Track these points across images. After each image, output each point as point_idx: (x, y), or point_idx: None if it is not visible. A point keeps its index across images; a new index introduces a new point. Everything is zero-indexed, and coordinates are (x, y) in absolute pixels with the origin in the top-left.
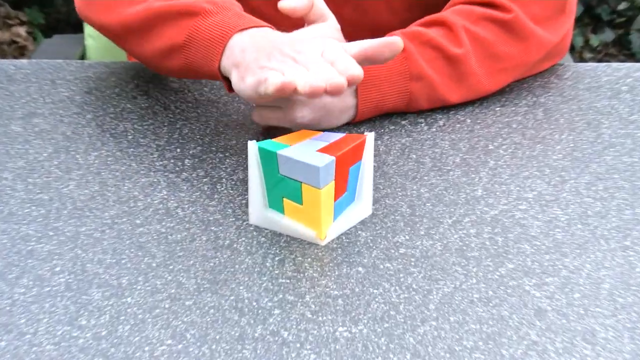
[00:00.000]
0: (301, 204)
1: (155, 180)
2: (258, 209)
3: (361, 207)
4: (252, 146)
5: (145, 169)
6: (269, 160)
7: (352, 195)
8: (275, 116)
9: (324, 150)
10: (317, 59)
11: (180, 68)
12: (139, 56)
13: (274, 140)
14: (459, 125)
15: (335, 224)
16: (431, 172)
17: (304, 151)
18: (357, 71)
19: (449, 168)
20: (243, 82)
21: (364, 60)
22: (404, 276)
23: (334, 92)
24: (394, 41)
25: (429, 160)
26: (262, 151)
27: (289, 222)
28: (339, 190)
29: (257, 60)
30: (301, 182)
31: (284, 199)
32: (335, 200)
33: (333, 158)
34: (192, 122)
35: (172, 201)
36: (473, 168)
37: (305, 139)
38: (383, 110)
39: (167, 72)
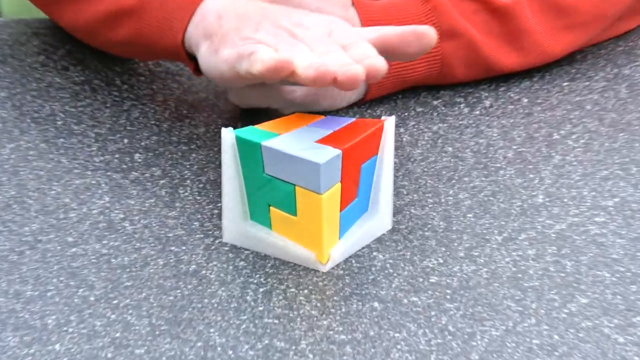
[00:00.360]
0: (295, 214)
1: (93, 182)
2: (235, 223)
3: (377, 219)
4: (228, 135)
5: (81, 167)
6: (250, 154)
7: (364, 202)
8: (258, 93)
9: (326, 140)
10: (323, 37)
11: (128, 39)
12: (72, 24)
13: (257, 127)
14: (511, 106)
15: (341, 243)
16: (474, 171)
17: (299, 142)
18: (379, 62)
19: (499, 165)
20: (216, 55)
21: (384, 53)
22: (437, 314)
23: (346, 85)
24: (425, 31)
25: (471, 155)
26: (241, 142)
27: (277, 239)
28: (348, 195)
29: (238, 29)
30: (295, 185)
31: (271, 208)
32: (341, 209)
33: (339, 152)
34: (145, 102)
35: (116, 211)
36: (531, 166)
37: (301, 126)
38: (406, 82)
39: (108, 46)
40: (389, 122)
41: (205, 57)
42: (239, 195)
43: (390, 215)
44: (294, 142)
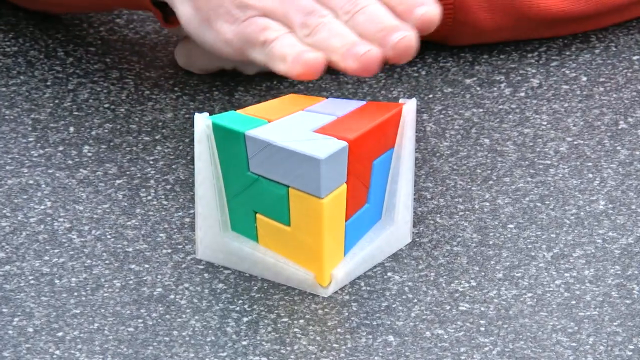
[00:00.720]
0: (288, 224)
1: (31, 181)
2: (211, 234)
3: (393, 230)
4: (202, 122)
5: (15, 163)
6: (231, 147)
7: (377, 209)
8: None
9: (328, 129)
10: None
11: None
12: None
13: (240, 111)
14: (566, 86)
15: (347, 261)
16: (516, 170)
17: (294, 132)
18: (432, 10)
19: (548, 162)
20: (210, 28)
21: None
22: (468, 351)
23: (400, 57)
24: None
25: (513, 149)
26: (219, 131)
27: (266, 256)
28: (356, 200)
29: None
30: (288, 187)
31: (258, 215)
32: (347, 218)
33: (345, 144)
34: (96, 79)
35: (61, 219)
36: (590, 163)
37: (296, 110)
38: None
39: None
40: (409, 106)
41: (194, 27)
42: (217, 199)
43: (410, 225)
44: (287, 131)
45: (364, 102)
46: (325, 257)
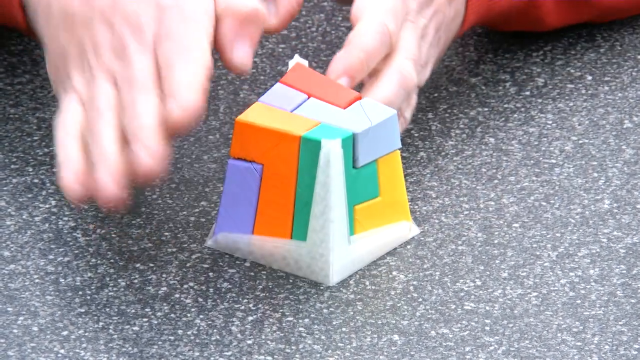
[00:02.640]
0: (378, 195)
1: (36, 180)
2: (340, 254)
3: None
4: (335, 147)
5: (20, 162)
6: (345, 156)
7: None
8: None
9: (339, 103)
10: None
11: None
12: None
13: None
14: (571, 85)
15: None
16: (521, 169)
17: (345, 113)
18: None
19: (553, 161)
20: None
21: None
22: (473, 351)
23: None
24: None
25: (519, 148)
26: (343, 145)
27: (371, 239)
28: None
29: (61, 56)
30: (377, 160)
31: (356, 207)
32: None
33: (367, 98)
34: None
35: (65, 218)
36: (595, 162)
37: (284, 111)
38: (491, 14)
39: None
40: (299, 61)
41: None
42: (340, 214)
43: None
44: (346, 115)
45: (278, 85)
46: (407, 201)
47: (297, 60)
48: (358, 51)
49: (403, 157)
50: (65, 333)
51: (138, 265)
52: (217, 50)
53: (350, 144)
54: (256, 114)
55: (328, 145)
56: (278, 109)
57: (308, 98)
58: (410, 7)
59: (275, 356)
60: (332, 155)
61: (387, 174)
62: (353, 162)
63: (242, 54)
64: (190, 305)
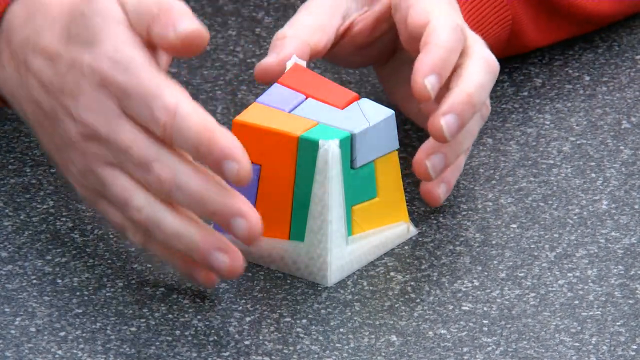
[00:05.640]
0: (376, 195)
1: (34, 181)
2: (338, 255)
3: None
4: (334, 147)
5: (17, 162)
6: (343, 156)
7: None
8: None
9: (337, 103)
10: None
11: None
12: None
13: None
14: (569, 85)
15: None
16: (519, 169)
17: (342, 114)
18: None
19: (551, 162)
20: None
21: None
22: (471, 351)
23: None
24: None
25: (516, 148)
26: (341, 145)
27: (368, 239)
28: None
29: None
30: (374, 160)
31: (353, 208)
32: None
33: (364, 98)
34: None
35: (63, 218)
36: (593, 162)
37: (282, 112)
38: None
39: None
40: (299, 61)
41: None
42: (338, 214)
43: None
44: (343, 115)
45: (276, 85)
46: (405, 202)
47: (295, 60)
48: (438, 48)
49: (401, 158)
50: (62, 334)
51: (135, 265)
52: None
53: (349, 144)
54: (254, 115)
55: (326, 146)
56: (276, 110)
57: (306, 99)
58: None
59: (273, 357)
60: (330, 155)
61: (385, 174)
62: (351, 163)
63: (182, 26)
64: (187, 305)
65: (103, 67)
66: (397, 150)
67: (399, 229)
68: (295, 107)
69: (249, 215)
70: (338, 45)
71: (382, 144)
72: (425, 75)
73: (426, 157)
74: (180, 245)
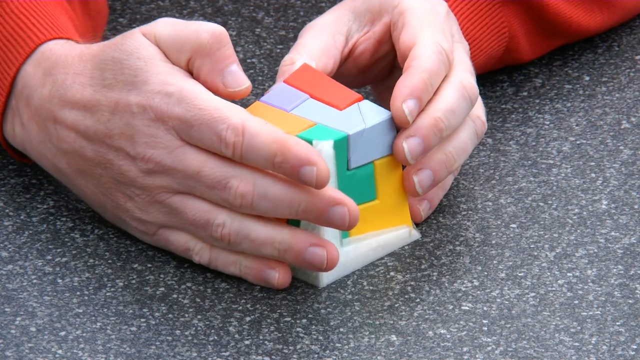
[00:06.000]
0: (375, 198)
1: (34, 180)
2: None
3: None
4: (326, 147)
5: (18, 162)
6: (337, 157)
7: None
8: None
9: (333, 104)
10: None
11: None
12: None
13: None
14: (569, 86)
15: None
16: (519, 169)
17: (341, 115)
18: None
19: (551, 162)
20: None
21: None
22: (471, 351)
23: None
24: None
25: (516, 148)
26: (336, 147)
27: (367, 241)
28: None
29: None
30: (373, 162)
31: None
32: None
33: (363, 100)
34: None
35: (64, 218)
36: (593, 162)
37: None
38: (479, 60)
39: None
40: (309, 61)
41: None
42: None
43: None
44: (342, 117)
45: (282, 85)
46: (407, 206)
47: (304, 60)
48: (420, 72)
49: None
50: (63, 333)
51: (136, 265)
52: (211, 90)
53: (344, 145)
54: (254, 114)
55: (319, 146)
56: (277, 109)
57: (308, 98)
58: (454, 30)
59: (273, 357)
60: (323, 156)
61: (385, 177)
62: (347, 164)
63: (231, 78)
64: (188, 305)
65: (154, 103)
66: None
67: (400, 232)
68: (296, 106)
69: (344, 201)
70: (342, 67)
71: (381, 146)
72: (403, 100)
73: (415, 171)
74: (272, 250)
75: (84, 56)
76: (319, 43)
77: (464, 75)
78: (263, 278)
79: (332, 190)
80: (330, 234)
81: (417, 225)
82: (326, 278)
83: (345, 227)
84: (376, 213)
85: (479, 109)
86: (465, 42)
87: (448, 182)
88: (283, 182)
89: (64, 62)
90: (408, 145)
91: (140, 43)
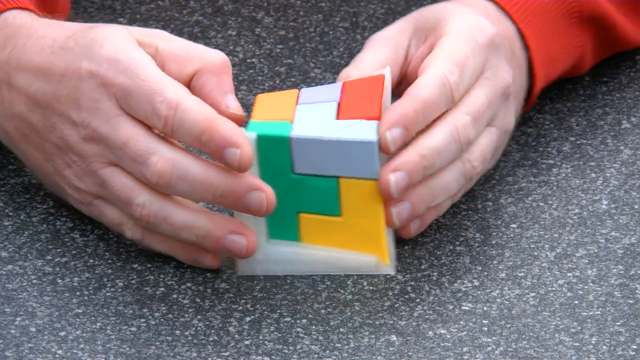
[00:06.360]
0: (338, 214)
1: (33, 181)
2: (259, 245)
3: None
4: (250, 137)
5: (18, 162)
6: (271, 154)
7: None
8: None
9: (346, 114)
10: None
11: None
12: None
13: (253, 120)
14: (568, 85)
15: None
16: (519, 169)
17: (323, 123)
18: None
19: (551, 162)
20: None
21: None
22: (471, 351)
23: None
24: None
25: (516, 148)
26: (262, 141)
27: (317, 251)
28: None
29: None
30: (337, 178)
31: (301, 215)
32: None
33: (377, 122)
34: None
35: (64, 218)
36: (593, 162)
37: (290, 106)
38: (550, 78)
39: None
40: (387, 74)
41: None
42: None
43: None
44: (319, 124)
45: (339, 83)
46: (384, 237)
47: (385, 71)
48: (414, 101)
49: None
50: (62, 334)
51: (136, 265)
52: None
53: (284, 145)
54: (258, 105)
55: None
56: (286, 96)
57: (332, 101)
58: (490, 64)
59: (273, 357)
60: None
61: (355, 199)
62: (291, 166)
63: (235, 103)
64: (187, 305)
65: (102, 69)
66: (376, 180)
67: (365, 259)
68: (311, 103)
69: (263, 187)
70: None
71: (353, 166)
72: (389, 127)
73: (394, 203)
74: (191, 235)
75: (53, 23)
76: (379, 59)
77: (462, 118)
78: (193, 259)
79: (251, 177)
80: (249, 222)
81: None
82: (242, 267)
83: (262, 212)
84: (339, 230)
85: (475, 153)
86: (502, 79)
87: (444, 207)
88: (203, 165)
89: (28, 28)
90: (395, 178)
91: (118, 29)
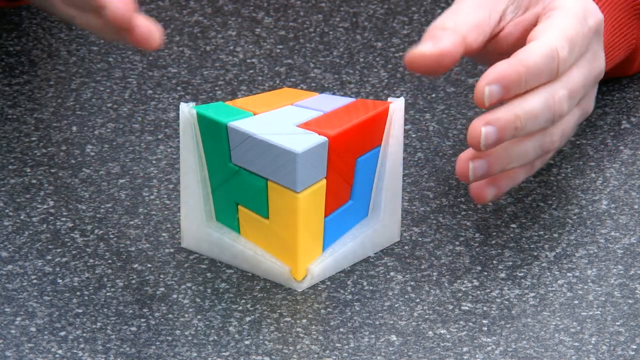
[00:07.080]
0: (267, 216)
1: (34, 181)
2: (195, 224)
3: (379, 227)
4: (187, 111)
5: (17, 162)
6: (214, 138)
7: (362, 206)
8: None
9: (312, 124)
10: None
11: None
12: None
13: (229, 103)
14: None
15: (326, 255)
16: (518, 169)
17: (277, 125)
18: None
19: (551, 162)
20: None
21: None
22: (471, 351)
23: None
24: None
25: None
26: (202, 121)
27: (245, 248)
28: (337, 196)
29: None
30: (267, 180)
31: (240, 207)
32: (327, 213)
33: (324, 139)
34: (99, 79)
35: (64, 218)
36: (593, 162)
37: (284, 104)
38: (607, 66)
39: None
40: (396, 105)
41: None
42: (201, 189)
43: (398, 224)
44: (269, 124)
45: (353, 99)
46: (300, 252)
47: (398, 100)
48: (520, 65)
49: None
50: (62, 333)
51: (136, 265)
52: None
53: (223, 133)
54: (260, 95)
55: (184, 108)
56: (279, 99)
57: (323, 111)
58: (592, 48)
59: (273, 357)
60: (183, 116)
61: (279, 207)
62: (229, 154)
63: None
64: (187, 305)
65: None
66: (297, 196)
67: (278, 267)
68: (302, 107)
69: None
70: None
71: (275, 171)
72: (489, 82)
73: (469, 159)
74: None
75: None
76: (475, 15)
77: (560, 91)
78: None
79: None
80: (189, 195)
81: (417, 225)
82: (187, 241)
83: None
84: (267, 233)
85: (558, 127)
86: (598, 64)
87: (517, 176)
88: None
89: None
90: (486, 132)
91: None
